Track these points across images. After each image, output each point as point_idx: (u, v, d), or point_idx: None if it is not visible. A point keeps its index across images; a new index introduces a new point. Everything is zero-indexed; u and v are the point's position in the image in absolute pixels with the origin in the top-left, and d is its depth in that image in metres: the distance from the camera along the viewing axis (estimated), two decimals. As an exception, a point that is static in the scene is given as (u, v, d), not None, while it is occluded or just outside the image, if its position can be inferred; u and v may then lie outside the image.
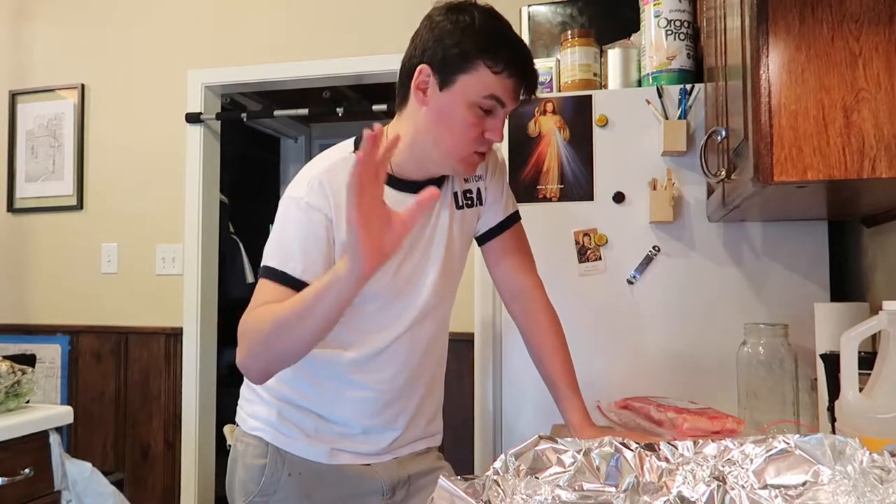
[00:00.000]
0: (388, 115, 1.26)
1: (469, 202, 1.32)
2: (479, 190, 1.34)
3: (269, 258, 1.15)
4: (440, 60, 1.13)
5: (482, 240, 1.40)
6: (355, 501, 1.27)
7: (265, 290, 1.12)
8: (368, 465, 1.28)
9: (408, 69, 1.18)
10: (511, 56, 1.12)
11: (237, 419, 1.33)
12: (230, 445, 1.34)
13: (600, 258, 1.76)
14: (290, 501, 1.24)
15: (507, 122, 1.79)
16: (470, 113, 1.13)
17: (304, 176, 1.19)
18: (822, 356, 1.29)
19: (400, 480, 1.30)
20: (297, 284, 1.10)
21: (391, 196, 1.20)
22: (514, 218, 1.40)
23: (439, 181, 1.26)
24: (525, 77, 1.15)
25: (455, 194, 1.30)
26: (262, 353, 1.09)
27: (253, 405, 1.30)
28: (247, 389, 1.32)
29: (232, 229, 3.75)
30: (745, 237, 1.70)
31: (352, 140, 1.26)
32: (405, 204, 1.20)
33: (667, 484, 0.68)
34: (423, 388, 1.32)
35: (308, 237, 1.14)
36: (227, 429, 1.37)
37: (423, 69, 1.14)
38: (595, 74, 1.88)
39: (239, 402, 1.34)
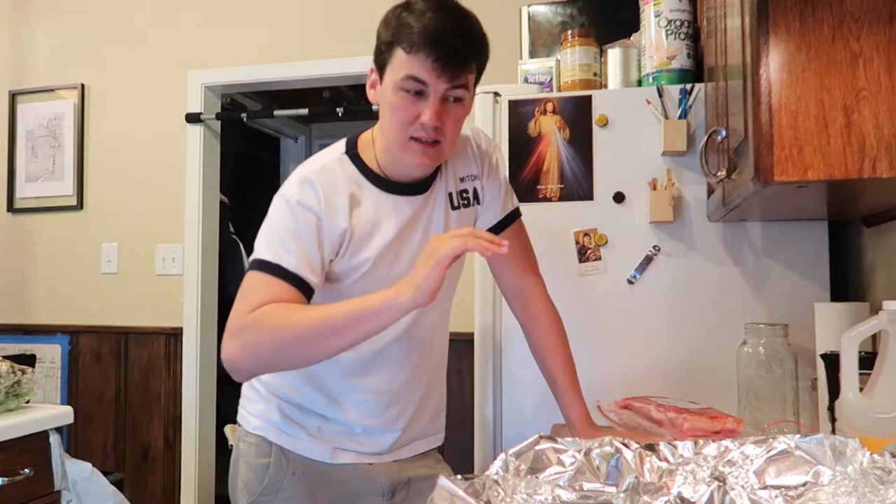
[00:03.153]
0: (388, 116, 1.26)
1: (465, 202, 1.31)
2: (475, 189, 1.33)
3: (261, 251, 1.14)
4: (376, 57, 1.17)
5: None
6: (356, 501, 1.27)
7: (260, 283, 1.11)
8: (371, 464, 1.28)
9: None
10: (419, 33, 1.09)
11: (239, 419, 1.33)
12: (232, 445, 1.34)
13: (600, 258, 1.76)
14: (294, 500, 1.24)
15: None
16: (397, 97, 1.13)
17: (296, 176, 1.19)
18: (822, 356, 1.29)
19: (400, 482, 1.30)
20: (291, 278, 1.11)
21: (378, 197, 1.21)
22: (513, 215, 1.39)
23: (427, 182, 1.25)
24: (439, 50, 1.09)
25: (450, 195, 1.29)
26: (267, 358, 1.09)
27: (255, 405, 1.30)
28: (249, 389, 1.32)
29: (232, 229, 3.75)
30: (745, 237, 1.70)
31: (343, 141, 1.26)
32: (390, 205, 1.21)
33: (667, 484, 0.68)
34: (422, 388, 1.32)
35: (300, 233, 1.14)
36: (228, 429, 1.37)
37: (371, 69, 1.19)
38: (595, 74, 1.87)
39: (240, 401, 1.34)
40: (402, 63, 1.11)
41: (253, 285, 1.11)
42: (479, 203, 1.34)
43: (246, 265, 4.09)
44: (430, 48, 1.09)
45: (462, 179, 1.31)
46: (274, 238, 1.14)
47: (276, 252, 1.12)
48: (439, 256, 0.98)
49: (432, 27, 1.09)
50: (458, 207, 1.30)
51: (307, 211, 1.14)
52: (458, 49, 1.11)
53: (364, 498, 1.27)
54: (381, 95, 1.17)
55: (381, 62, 1.16)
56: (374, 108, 1.24)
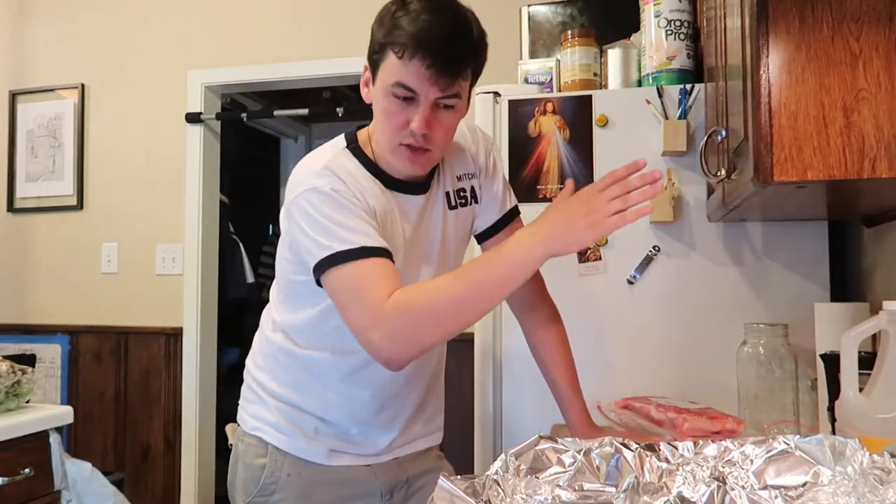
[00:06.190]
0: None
1: (462, 201, 1.30)
2: (472, 188, 1.31)
3: (333, 246, 1.06)
4: (369, 55, 1.14)
5: (481, 238, 1.38)
6: (354, 502, 1.27)
7: (364, 272, 1.05)
8: (368, 465, 1.28)
9: None
10: (412, 37, 1.04)
11: (238, 419, 1.33)
12: (231, 445, 1.34)
13: (600, 258, 1.76)
14: (290, 502, 1.24)
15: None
16: (388, 101, 1.10)
17: (311, 168, 1.14)
18: (822, 356, 1.29)
19: (399, 482, 1.30)
20: (380, 252, 1.07)
21: (377, 192, 1.17)
22: (512, 214, 1.37)
23: (427, 182, 1.24)
24: (431, 58, 1.04)
25: (447, 194, 1.27)
26: (422, 340, 1.06)
27: (253, 405, 1.30)
28: (247, 390, 1.32)
29: (232, 229, 3.75)
30: (745, 237, 1.70)
31: (341, 137, 1.23)
32: (393, 203, 1.19)
33: (667, 484, 0.68)
34: (421, 389, 1.32)
35: (350, 210, 1.09)
36: (228, 428, 1.38)
37: (365, 66, 1.16)
38: (595, 74, 1.87)
39: (240, 401, 1.34)
40: (394, 68, 1.07)
41: (357, 277, 1.05)
42: (476, 202, 1.32)
43: (246, 265, 4.02)
44: (422, 55, 1.04)
45: (459, 178, 1.29)
46: (332, 227, 1.07)
47: (344, 238, 1.06)
48: (603, 225, 1.01)
49: (426, 32, 1.05)
50: (455, 207, 1.29)
51: (343, 193, 1.10)
52: (453, 57, 1.06)
53: (361, 499, 1.27)
54: (374, 96, 1.15)
55: (373, 62, 1.13)
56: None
